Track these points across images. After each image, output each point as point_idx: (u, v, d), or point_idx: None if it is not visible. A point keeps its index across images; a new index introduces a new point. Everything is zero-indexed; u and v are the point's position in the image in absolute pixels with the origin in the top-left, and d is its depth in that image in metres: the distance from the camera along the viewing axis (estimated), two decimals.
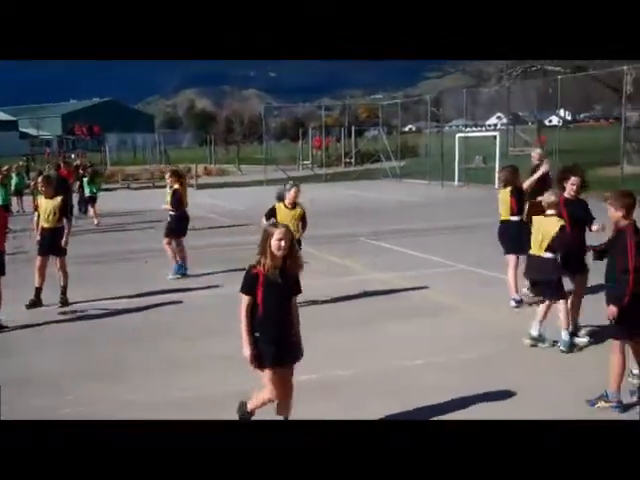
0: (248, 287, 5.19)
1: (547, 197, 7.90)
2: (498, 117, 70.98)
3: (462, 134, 37.64)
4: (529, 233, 8.12)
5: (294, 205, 9.42)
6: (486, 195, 23.07)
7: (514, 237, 9.41)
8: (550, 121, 61.18)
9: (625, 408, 6.01)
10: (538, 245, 7.77)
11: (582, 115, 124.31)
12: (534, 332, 7.86)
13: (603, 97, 63.11)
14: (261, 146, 52.08)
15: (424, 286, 11.03)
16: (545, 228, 7.72)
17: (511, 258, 9.60)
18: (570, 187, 8.01)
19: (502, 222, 9.75)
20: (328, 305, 10.00)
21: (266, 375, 5.18)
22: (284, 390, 5.23)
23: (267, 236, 5.15)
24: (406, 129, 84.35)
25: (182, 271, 12.27)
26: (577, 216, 7.95)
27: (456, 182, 32.69)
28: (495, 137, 33.54)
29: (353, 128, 52.45)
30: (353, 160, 49.86)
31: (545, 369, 7.19)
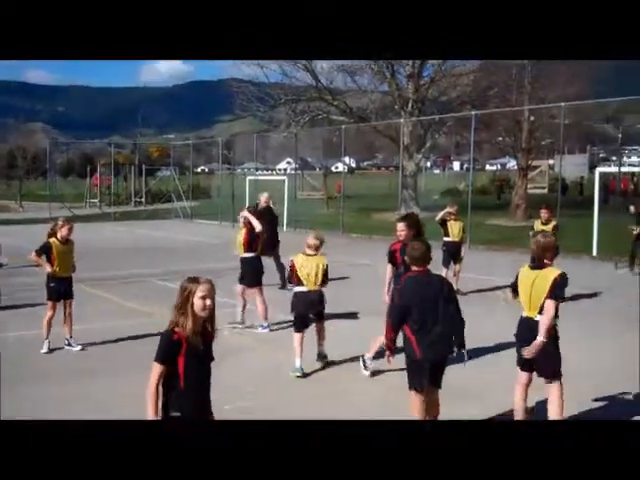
0: (167, 355, 4.31)
1: (309, 240, 8.78)
2: (288, 162, 73.50)
3: (252, 177, 38.59)
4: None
5: (67, 240, 9.73)
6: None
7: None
8: (336, 167, 64.38)
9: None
10: (313, 281, 8.60)
11: (365, 163, 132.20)
12: (298, 364, 8.56)
13: (383, 147, 67.57)
14: (46, 182, 49.81)
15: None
16: (312, 265, 8.61)
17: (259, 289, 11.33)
18: (397, 233, 8.50)
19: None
20: (119, 347, 9.95)
21: None
22: None
23: (188, 294, 4.37)
24: (198, 170, 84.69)
25: None
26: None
27: None
28: (284, 181, 34.73)
29: (144, 167, 51.78)
30: (144, 199, 49.15)
31: (334, 406, 7.55)
